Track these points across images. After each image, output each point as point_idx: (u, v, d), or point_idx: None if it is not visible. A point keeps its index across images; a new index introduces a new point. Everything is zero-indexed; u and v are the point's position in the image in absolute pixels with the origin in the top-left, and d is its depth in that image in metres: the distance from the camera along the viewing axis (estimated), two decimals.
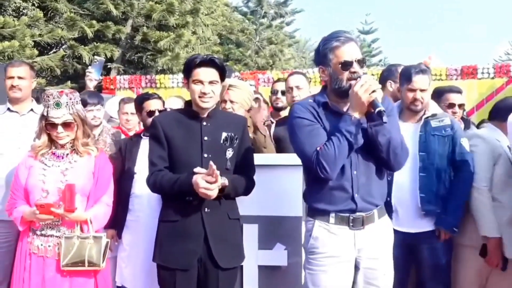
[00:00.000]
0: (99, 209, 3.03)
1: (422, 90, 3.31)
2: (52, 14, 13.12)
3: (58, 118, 2.95)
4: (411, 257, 3.34)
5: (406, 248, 3.24)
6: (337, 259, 2.56)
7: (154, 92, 4.53)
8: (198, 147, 2.86)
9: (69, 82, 12.83)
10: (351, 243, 2.57)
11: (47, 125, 2.99)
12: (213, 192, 2.68)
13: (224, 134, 2.89)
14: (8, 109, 3.86)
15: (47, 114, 2.96)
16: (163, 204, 2.99)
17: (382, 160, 2.55)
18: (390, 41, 79.51)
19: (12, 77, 3.82)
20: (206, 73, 2.84)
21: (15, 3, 12.46)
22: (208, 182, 2.66)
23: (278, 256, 3.27)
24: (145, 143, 3.59)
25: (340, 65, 2.50)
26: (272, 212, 3.27)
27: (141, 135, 3.81)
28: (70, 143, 3.04)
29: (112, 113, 5.26)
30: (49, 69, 12.74)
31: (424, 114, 3.36)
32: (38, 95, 3.09)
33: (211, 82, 2.85)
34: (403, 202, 3.27)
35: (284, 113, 4.38)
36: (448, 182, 3.31)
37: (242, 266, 3.12)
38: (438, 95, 4.00)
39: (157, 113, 3.67)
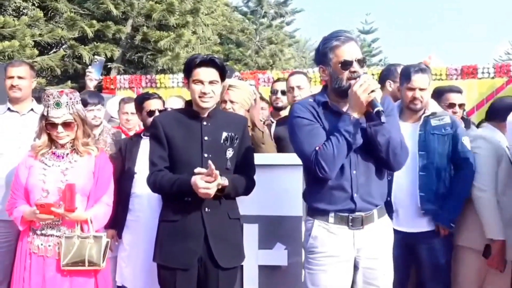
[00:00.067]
0: (99, 209, 3.03)
1: (421, 89, 3.31)
2: (52, 14, 13.13)
3: (58, 118, 2.95)
4: (411, 257, 3.34)
5: (406, 248, 3.24)
6: (336, 259, 2.56)
7: (154, 92, 4.53)
8: (198, 147, 2.86)
9: (69, 82, 12.85)
10: (350, 243, 2.57)
11: (47, 125, 2.99)
12: (211, 191, 2.69)
13: (224, 134, 2.89)
14: (8, 109, 3.87)
15: (47, 114, 2.96)
16: (163, 204, 3.00)
17: (382, 160, 2.55)
18: (390, 40, 79.57)
19: (12, 77, 3.82)
20: (206, 73, 2.84)
21: (15, 2, 12.46)
22: (207, 182, 2.67)
23: (278, 255, 3.27)
24: (145, 143, 3.59)
25: (340, 65, 2.50)
26: (272, 212, 3.27)
27: (141, 135, 3.81)
28: (70, 143, 3.04)
29: (112, 113, 5.26)
30: (49, 69, 12.75)
31: (423, 113, 3.36)
32: (40, 95, 3.08)
33: (211, 82, 2.85)
34: (402, 201, 3.28)
35: (284, 113, 4.38)
36: (448, 181, 3.31)
37: (242, 265, 3.12)
38: (438, 95, 4.00)
39: (157, 113, 3.67)
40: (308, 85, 4.19)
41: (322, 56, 2.58)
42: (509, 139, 3.31)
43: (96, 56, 5.83)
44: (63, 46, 13.82)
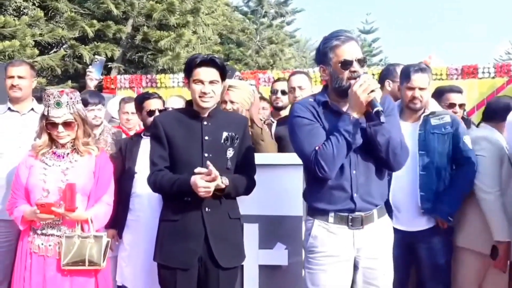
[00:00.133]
0: (99, 209, 3.03)
1: (421, 89, 3.31)
2: (52, 13, 13.13)
3: (58, 117, 2.95)
4: (411, 257, 3.34)
5: (406, 248, 3.24)
6: (336, 259, 2.56)
7: (154, 91, 4.53)
8: (199, 147, 2.86)
9: (69, 82, 12.86)
10: (350, 243, 2.57)
11: (48, 125, 2.99)
12: (210, 190, 2.69)
13: (224, 134, 2.89)
14: (9, 108, 3.87)
15: (48, 113, 2.96)
16: (163, 203, 3.00)
17: (382, 160, 2.55)
18: (390, 40, 79.55)
19: (13, 77, 3.82)
20: (207, 73, 2.84)
21: (16, 2, 12.47)
22: (207, 181, 2.67)
23: (278, 255, 3.27)
24: (145, 143, 3.60)
25: (340, 64, 2.50)
26: (273, 212, 3.27)
27: (142, 134, 3.81)
28: (71, 142, 3.04)
29: (113, 113, 5.26)
30: (49, 69, 12.76)
31: (423, 112, 3.36)
32: (41, 95, 3.09)
33: (211, 82, 2.85)
34: (402, 201, 3.28)
35: (285, 113, 4.38)
36: (448, 180, 3.31)
37: (242, 265, 3.12)
38: (439, 94, 4.00)
39: (157, 113, 3.67)
40: (309, 85, 4.19)
41: (322, 55, 2.58)
42: (508, 139, 3.31)
43: (96, 56, 5.83)
44: (64, 46, 13.83)
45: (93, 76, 5.19)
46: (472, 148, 3.32)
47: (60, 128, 2.97)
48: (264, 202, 3.20)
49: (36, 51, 11.89)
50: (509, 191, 3.31)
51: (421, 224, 3.28)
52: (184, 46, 14.16)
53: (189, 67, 2.89)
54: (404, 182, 3.27)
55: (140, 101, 3.90)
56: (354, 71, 2.49)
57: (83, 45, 13.03)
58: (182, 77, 8.54)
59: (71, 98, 2.99)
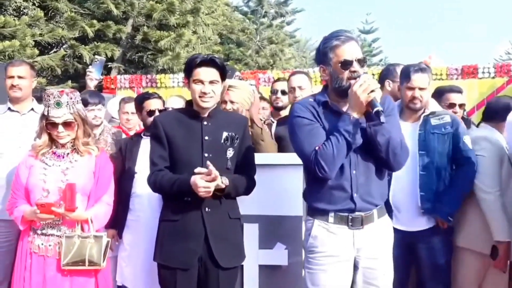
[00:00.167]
0: (99, 209, 3.03)
1: (421, 89, 3.31)
2: (52, 13, 13.14)
3: (58, 117, 2.95)
4: (411, 257, 3.34)
5: (406, 248, 3.24)
6: (336, 259, 2.56)
7: (154, 91, 4.53)
8: (199, 147, 2.86)
9: (69, 82, 12.87)
10: (350, 243, 2.57)
11: (48, 125, 2.99)
12: (210, 190, 2.70)
13: (225, 134, 2.90)
14: (9, 108, 3.87)
15: (48, 113, 2.97)
16: (163, 203, 3.00)
17: (382, 160, 2.55)
18: (390, 40, 79.51)
19: (13, 77, 3.82)
20: (207, 73, 2.85)
21: (16, 2, 12.48)
22: (207, 181, 2.68)
23: (278, 255, 3.27)
24: (145, 143, 3.60)
25: (340, 64, 2.50)
26: (273, 212, 3.27)
27: (141, 134, 3.81)
28: (71, 142, 3.04)
29: (113, 113, 5.26)
30: (49, 69, 12.77)
31: (423, 112, 3.36)
32: (41, 95, 3.09)
33: (211, 82, 2.85)
34: (402, 200, 3.28)
35: (285, 113, 4.38)
36: (448, 180, 3.31)
37: (242, 265, 3.12)
38: (439, 94, 4.00)
39: (157, 113, 3.67)
40: (309, 85, 4.18)
41: (322, 55, 2.58)
42: (508, 139, 3.31)
43: (96, 56, 5.83)
44: (64, 46, 13.84)
45: (93, 76, 5.19)
46: (472, 148, 3.32)
47: (60, 128, 2.97)
48: (264, 202, 3.21)
49: (36, 51, 11.90)
50: (509, 191, 3.31)
51: (421, 224, 3.28)
52: (184, 46, 14.16)
53: (189, 67, 2.89)
54: (404, 182, 3.27)
55: (140, 101, 3.90)
56: (354, 71, 2.49)
57: (83, 45, 13.03)
58: (182, 77, 8.54)
59: (71, 98, 2.99)
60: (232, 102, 3.42)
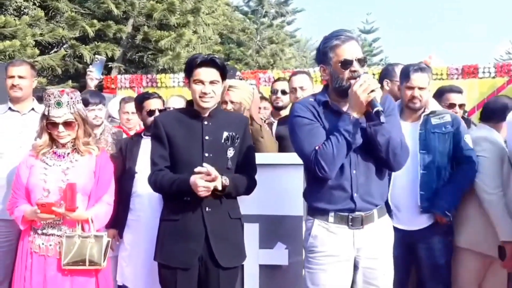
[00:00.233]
0: (100, 208, 3.04)
1: (420, 88, 3.31)
2: (53, 13, 13.16)
3: (59, 117, 2.95)
4: (411, 257, 3.34)
5: (406, 247, 3.24)
6: (336, 258, 2.56)
7: (155, 91, 4.53)
8: (199, 147, 2.86)
9: (70, 82, 12.88)
10: (350, 243, 2.57)
11: (48, 125, 2.99)
12: (210, 189, 2.70)
13: (225, 134, 2.90)
14: (9, 108, 3.87)
15: (48, 113, 2.97)
16: (164, 203, 3.00)
17: (382, 160, 2.55)
18: (390, 40, 79.56)
19: (13, 77, 3.82)
20: (207, 73, 2.85)
21: (16, 2, 12.49)
22: (206, 181, 2.68)
23: (279, 255, 3.27)
24: (145, 143, 3.60)
25: (340, 64, 2.50)
26: (273, 211, 3.27)
27: (142, 134, 3.81)
28: (71, 142, 3.05)
29: (113, 114, 5.26)
30: (50, 69, 12.78)
31: (423, 112, 3.37)
32: (42, 94, 3.09)
33: (211, 82, 2.85)
34: (403, 200, 3.28)
35: (285, 112, 4.38)
36: (448, 179, 3.31)
37: (243, 265, 3.12)
38: (439, 94, 4.01)
39: (157, 113, 3.67)
40: (311, 85, 4.18)
41: (322, 55, 2.58)
42: (508, 139, 3.30)
43: (97, 56, 5.82)
44: (64, 46, 13.86)
45: (94, 76, 5.19)
46: (473, 148, 3.32)
47: (61, 128, 2.97)
48: (265, 201, 3.21)
49: (37, 51, 11.91)
50: (509, 191, 3.31)
51: (421, 222, 3.28)
52: (184, 46, 14.17)
53: (190, 67, 2.90)
54: (405, 181, 3.27)
55: (140, 101, 3.90)
56: (354, 71, 2.49)
57: (83, 45, 13.05)
58: (182, 77, 8.54)
59: (71, 98, 2.99)
60: (232, 102, 3.42)
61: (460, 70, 7.92)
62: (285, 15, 24.67)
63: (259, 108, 4.73)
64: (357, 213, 2.56)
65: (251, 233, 3.21)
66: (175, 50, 13.75)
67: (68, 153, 3.04)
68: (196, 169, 2.71)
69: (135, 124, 4.72)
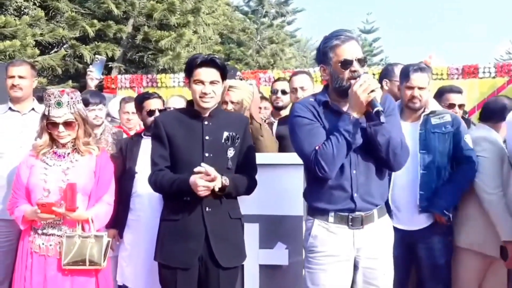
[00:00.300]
0: (100, 208, 3.04)
1: (420, 88, 3.31)
2: (53, 13, 13.17)
3: (59, 117, 2.95)
4: (411, 257, 3.34)
5: (406, 247, 3.24)
6: (336, 258, 2.56)
7: (155, 91, 4.53)
8: (199, 147, 2.86)
9: (70, 82, 12.89)
10: (350, 243, 2.57)
11: (48, 125, 2.99)
12: (209, 189, 2.71)
13: (225, 134, 2.90)
14: (10, 108, 3.87)
15: (48, 113, 2.97)
16: (164, 203, 3.01)
17: (382, 160, 2.54)
18: (390, 40, 79.57)
19: (13, 77, 3.82)
20: (207, 73, 2.85)
21: (16, 2, 12.50)
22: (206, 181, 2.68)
23: (279, 255, 3.27)
24: (145, 143, 3.60)
25: (340, 64, 2.50)
26: (273, 211, 3.27)
27: (142, 134, 3.81)
28: (72, 142, 3.05)
29: (114, 114, 5.26)
30: (50, 69, 12.79)
31: (423, 112, 3.37)
32: (43, 95, 3.09)
33: (212, 82, 2.86)
34: (402, 200, 3.28)
35: (285, 112, 4.38)
36: (447, 178, 3.31)
37: (243, 265, 3.12)
38: (439, 94, 4.01)
39: (157, 113, 3.67)
40: (311, 85, 4.18)
41: (322, 55, 2.58)
42: (508, 139, 3.30)
43: (97, 56, 5.82)
44: (64, 46, 13.87)
45: (94, 76, 5.19)
46: (473, 148, 3.32)
47: (61, 128, 2.97)
48: (265, 201, 3.21)
49: (37, 51, 11.92)
50: (509, 191, 3.31)
51: (420, 222, 3.28)
52: (184, 46, 14.18)
53: (190, 67, 2.90)
54: (405, 181, 3.27)
55: (140, 101, 3.90)
56: (354, 71, 2.49)
57: (83, 45, 13.05)
58: (182, 77, 8.55)
59: (71, 98, 2.99)
60: (232, 102, 3.43)
61: (460, 70, 7.92)
62: (285, 15, 24.68)
63: (260, 108, 4.74)
64: (357, 213, 2.56)
65: (251, 233, 3.21)
66: (175, 50, 13.76)
67: (68, 153, 3.05)
68: (195, 169, 2.71)
69: (135, 124, 4.72)
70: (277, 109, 4.57)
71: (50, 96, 2.97)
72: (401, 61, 4.11)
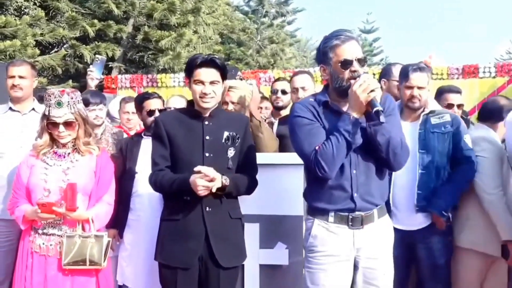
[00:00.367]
0: (100, 208, 3.04)
1: (419, 88, 3.31)
2: (53, 13, 13.18)
3: (59, 117, 2.96)
4: (411, 257, 3.34)
5: (406, 247, 3.24)
6: (336, 258, 2.56)
7: (155, 91, 4.52)
8: (200, 146, 2.87)
9: (70, 81, 12.91)
10: (350, 242, 2.57)
11: (49, 124, 3.00)
12: (209, 189, 2.71)
13: (226, 134, 2.90)
14: (10, 108, 3.87)
15: (49, 113, 2.97)
16: (164, 203, 3.01)
17: (382, 159, 2.54)
18: (390, 40, 79.58)
19: (13, 77, 3.82)
20: (207, 74, 2.85)
21: (17, 2, 12.51)
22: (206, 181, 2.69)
23: (279, 255, 3.27)
24: (145, 143, 3.60)
25: (340, 64, 2.49)
26: (273, 211, 3.28)
27: (142, 134, 3.81)
28: (72, 142, 3.05)
29: (114, 114, 5.27)
30: (50, 68, 12.81)
31: (423, 111, 3.37)
32: (43, 95, 3.10)
33: (212, 83, 2.86)
34: (401, 199, 3.28)
35: (285, 112, 4.37)
36: (446, 178, 3.31)
37: (243, 265, 3.12)
38: (438, 94, 4.02)
39: (157, 113, 3.67)
40: (312, 85, 4.17)
41: (322, 55, 2.57)
42: (508, 139, 3.31)
43: (97, 55, 5.82)
44: (65, 46, 13.88)
45: (94, 76, 5.19)
46: (472, 148, 3.32)
47: (61, 128, 2.97)
48: (265, 201, 3.21)
49: (37, 51, 11.93)
50: (509, 191, 3.31)
51: (419, 222, 3.28)
52: (185, 45, 14.19)
53: (190, 68, 2.90)
54: (404, 181, 3.27)
55: (140, 101, 3.90)
56: (354, 71, 2.48)
57: (84, 45, 13.06)
58: (182, 77, 8.55)
59: (72, 98, 2.99)
60: (233, 103, 3.43)
61: (460, 70, 7.92)
62: (285, 15, 24.69)
63: (260, 108, 4.74)
64: (357, 213, 2.55)
65: (251, 233, 3.22)
66: (175, 50, 13.77)
67: (69, 153, 3.05)
68: (195, 168, 2.71)
69: (135, 124, 4.73)
70: (277, 109, 4.56)
71: (50, 96, 2.97)
72: (401, 61, 4.11)
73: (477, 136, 3.41)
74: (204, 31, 15.79)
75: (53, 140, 3.05)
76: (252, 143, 3.10)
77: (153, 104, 3.80)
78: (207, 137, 2.88)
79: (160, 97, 3.93)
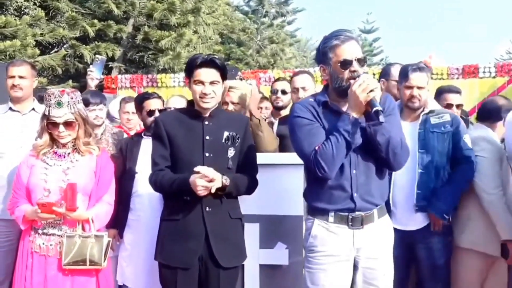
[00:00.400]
0: (100, 208, 3.04)
1: (419, 88, 3.31)
2: (53, 13, 13.18)
3: (59, 117, 2.96)
4: (411, 257, 3.34)
5: (406, 247, 3.24)
6: (336, 258, 2.56)
7: (155, 91, 4.52)
8: (200, 147, 2.87)
9: (70, 81, 12.91)
10: (350, 242, 2.57)
11: (49, 125, 3.00)
12: (209, 189, 2.71)
13: (226, 134, 2.90)
14: (10, 108, 3.87)
15: (49, 113, 2.97)
16: (164, 203, 3.01)
17: (382, 159, 2.54)
18: (390, 40, 79.60)
19: (13, 77, 3.82)
20: (207, 74, 2.85)
21: (17, 2, 12.51)
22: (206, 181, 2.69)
23: (279, 255, 3.27)
24: (145, 143, 3.60)
25: (339, 64, 2.49)
26: (273, 211, 3.28)
27: (142, 134, 3.81)
28: (72, 142, 3.05)
29: (114, 114, 5.27)
30: (50, 68, 12.81)
31: (422, 111, 3.37)
32: (43, 95, 3.10)
33: (212, 83, 2.86)
34: (400, 199, 3.28)
35: (285, 112, 4.37)
36: (446, 179, 3.31)
37: (243, 265, 3.12)
38: (437, 94, 4.02)
39: (157, 113, 3.68)
40: (313, 85, 4.16)
41: (322, 55, 2.57)
42: (508, 139, 3.31)
43: (97, 55, 5.82)
44: (65, 46, 13.88)
45: (94, 76, 5.19)
46: (472, 148, 3.32)
47: (61, 128, 2.98)
48: (265, 201, 3.21)
49: (37, 51, 11.93)
50: (508, 190, 3.31)
51: (418, 222, 3.28)
52: (185, 45, 14.19)
53: (190, 68, 2.90)
54: (403, 181, 3.27)
55: (139, 101, 3.90)
56: (354, 71, 2.48)
57: (84, 45, 13.07)
58: (183, 77, 8.55)
59: (72, 98, 2.99)
60: (233, 103, 3.43)
61: (460, 70, 7.92)
62: (285, 15, 24.69)
63: (260, 108, 4.74)
64: (357, 213, 2.56)
65: (251, 233, 3.22)
66: (175, 50, 13.77)
67: (69, 153, 3.05)
68: (195, 168, 2.71)
69: (135, 124, 4.73)
70: (277, 109, 4.56)
71: (50, 96, 2.97)
72: (401, 61, 4.11)
73: (476, 136, 3.41)
74: (204, 31, 15.79)
75: (53, 140, 3.05)
76: (252, 143, 3.10)
77: (153, 104, 3.80)
78: (207, 137, 2.88)
79: (160, 97, 3.93)
